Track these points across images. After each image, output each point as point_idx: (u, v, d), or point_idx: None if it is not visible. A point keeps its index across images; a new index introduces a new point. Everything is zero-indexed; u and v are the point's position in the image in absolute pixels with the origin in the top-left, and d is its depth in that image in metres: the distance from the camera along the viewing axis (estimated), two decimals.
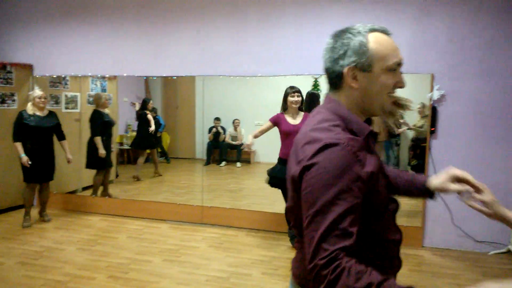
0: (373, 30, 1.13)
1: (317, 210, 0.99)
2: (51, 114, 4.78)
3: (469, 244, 4.13)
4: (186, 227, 4.78)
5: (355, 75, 1.11)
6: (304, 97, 4.13)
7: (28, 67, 5.57)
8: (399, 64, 1.13)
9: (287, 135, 3.88)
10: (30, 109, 4.59)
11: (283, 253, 4.04)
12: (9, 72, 5.42)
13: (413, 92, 4.36)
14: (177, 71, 5.00)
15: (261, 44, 4.66)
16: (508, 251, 4.01)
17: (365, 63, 1.09)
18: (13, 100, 5.39)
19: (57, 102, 5.71)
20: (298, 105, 3.95)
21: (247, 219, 4.73)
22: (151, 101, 6.20)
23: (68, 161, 4.87)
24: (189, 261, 3.78)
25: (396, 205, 1.25)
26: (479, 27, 3.97)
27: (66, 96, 5.73)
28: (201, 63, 4.88)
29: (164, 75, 5.09)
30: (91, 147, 5.23)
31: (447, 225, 4.15)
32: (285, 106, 4.00)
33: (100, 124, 5.22)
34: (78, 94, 5.78)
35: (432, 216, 4.21)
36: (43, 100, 4.63)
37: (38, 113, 4.62)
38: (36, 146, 4.58)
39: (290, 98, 3.94)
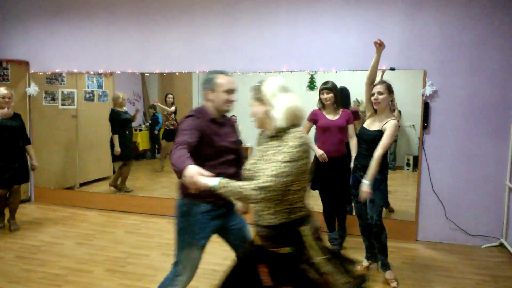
0: (220, 73, 2.32)
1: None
2: (16, 115, 4.36)
3: (462, 237, 4.19)
4: None
5: (208, 93, 2.32)
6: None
7: (24, 64, 5.58)
8: (231, 90, 2.32)
9: (324, 130, 3.81)
10: None
11: None
12: (5, 68, 5.44)
13: (406, 88, 4.41)
14: (172, 68, 5.03)
15: (255, 40, 4.69)
16: (500, 245, 4.07)
17: (212, 88, 2.30)
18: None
19: (53, 99, 5.72)
20: (330, 102, 3.79)
21: None
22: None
23: (33, 168, 4.51)
24: None
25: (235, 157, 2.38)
26: (471, 23, 4.02)
27: (62, 92, 5.75)
28: (196, 59, 4.92)
29: (159, 72, 5.11)
30: (113, 143, 5.51)
31: (440, 219, 4.22)
32: (322, 104, 3.88)
33: (118, 122, 5.47)
34: (74, 90, 5.79)
35: (425, 210, 4.27)
36: (6, 100, 4.22)
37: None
38: (2, 147, 4.23)
39: (321, 96, 3.85)
